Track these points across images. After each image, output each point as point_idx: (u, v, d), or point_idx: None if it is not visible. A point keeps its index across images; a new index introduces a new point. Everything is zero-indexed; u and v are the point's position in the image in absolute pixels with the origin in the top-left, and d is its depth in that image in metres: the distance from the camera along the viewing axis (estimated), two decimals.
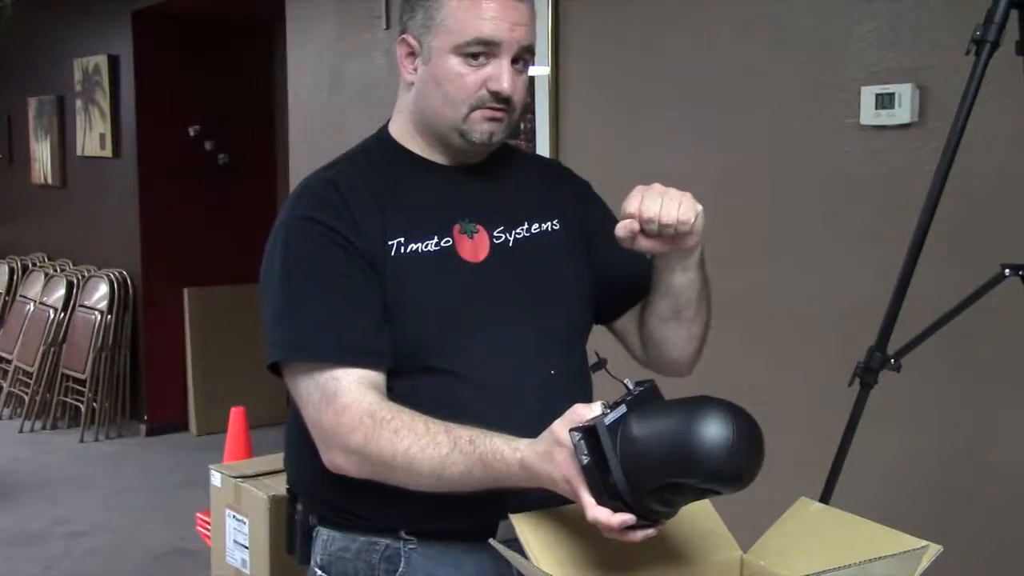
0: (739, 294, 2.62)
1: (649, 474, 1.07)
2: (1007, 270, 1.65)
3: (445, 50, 1.35)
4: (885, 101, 2.29)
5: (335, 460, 1.30)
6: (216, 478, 3.23)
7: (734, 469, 1.05)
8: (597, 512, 1.09)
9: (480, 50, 1.34)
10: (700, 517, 1.29)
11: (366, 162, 1.43)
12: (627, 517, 1.09)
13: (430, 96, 1.38)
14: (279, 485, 2.37)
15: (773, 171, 2.55)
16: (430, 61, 1.37)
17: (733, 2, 2.62)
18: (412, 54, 1.40)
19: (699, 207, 1.29)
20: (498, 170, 1.47)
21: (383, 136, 1.47)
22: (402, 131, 1.45)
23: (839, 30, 2.39)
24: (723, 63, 2.65)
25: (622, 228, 1.28)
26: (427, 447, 1.22)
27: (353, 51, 4.00)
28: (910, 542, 1.17)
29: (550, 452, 1.13)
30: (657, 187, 1.29)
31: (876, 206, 2.33)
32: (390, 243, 1.35)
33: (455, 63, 1.35)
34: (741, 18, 2.60)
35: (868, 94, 2.31)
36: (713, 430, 1.05)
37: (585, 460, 1.09)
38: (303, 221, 1.35)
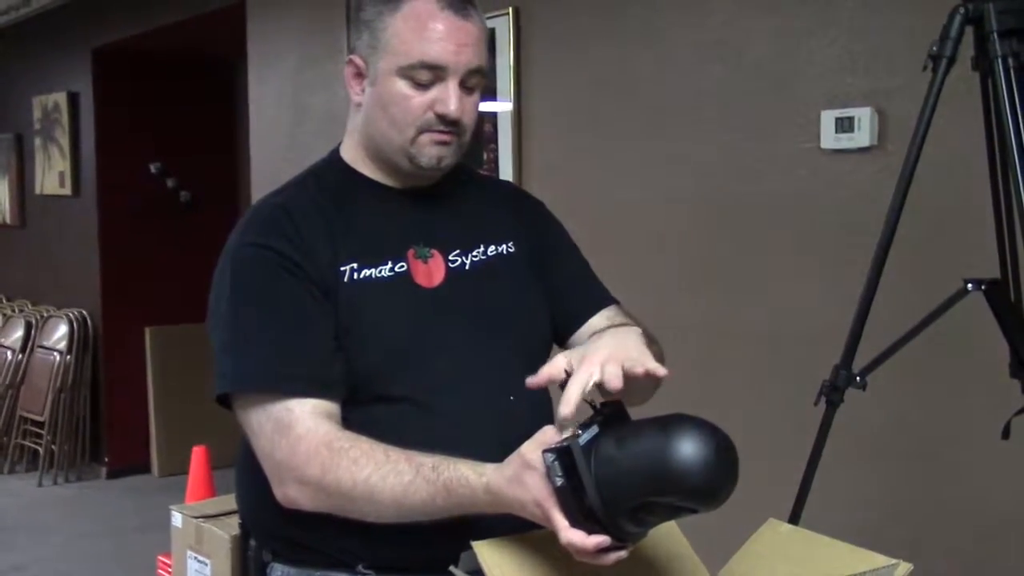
0: (703, 318, 2.62)
1: (626, 494, 1.05)
2: (970, 284, 1.65)
3: (391, 72, 1.32)
4: (845, 125, 2.30)
5: (289, 493, 1.26)
6: (177, 519, 3.16)
7: (712, 485, 1.04)
8: (571, 535, 1.06)
9: (426, 74, 1.31)
10: (668, 541, 1.27)
11: (316, 186, 1.39)
12: (602, 538, 1.06)
13: (377, 119, 1.36)
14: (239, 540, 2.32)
15: (735, 195, 2.55)
16: (376, 83, 1.34)
17: (692, 29, 2.63)
18: (360, 75, 1.37)
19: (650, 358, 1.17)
20: (452, 193, 1.44)
21: (334, 159, 1.44)
22: (353, 154, 1.42)
23: (798, 55, 2.41)
24: (683, 89, 2.66)
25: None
26: (388, 475, 1.19)
27: (315, 84, 3.99)
28: (881, 560, 1.16)
29: (519, 475, 1.10)
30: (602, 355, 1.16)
31: (838, 229, 2.33)
32: (342, 268, 1.31)
33: (401, 86, 1.32)
34: (700, 44, 2.61)
35: (828, 118, 2.32)
36: (690, 447, 1.03)
37: (559, 482, 1.07)
38: (253, 248, 1.32)
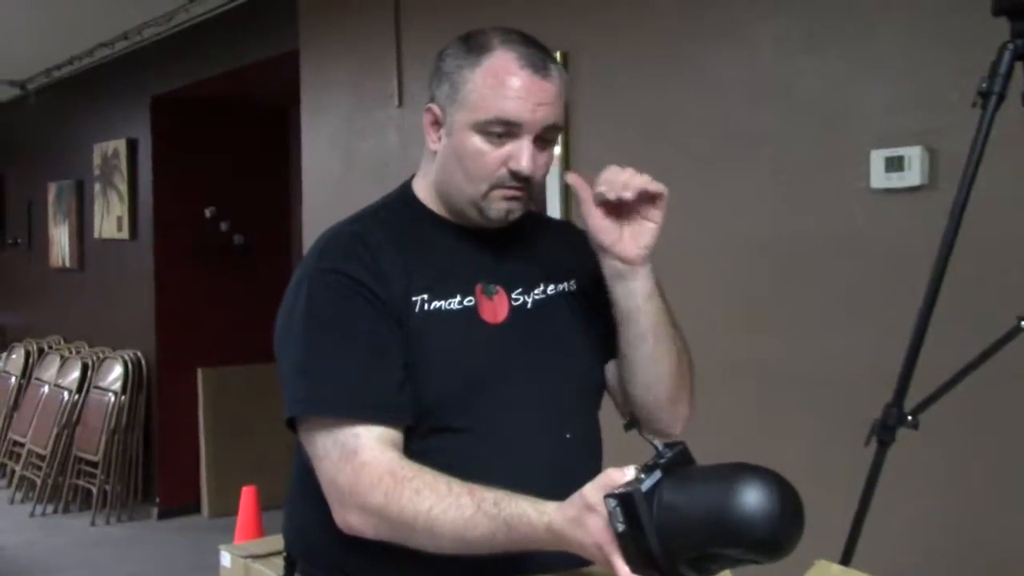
0: (754, 358, 2.59)
1: (687, 543, 1.05)
2: (1023, 322, 1.62)
3: (467, 126, 1.34)
4: (895, 164, 2.28)
5: (350, 520, 1.26)
6: (226, 558, 3.18)
7: (776, 539, 1.03)
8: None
9: (500, 130, 1.33)
10: None
11: (390, 217, 1.42)
12: None
13: (451, 170, 1.38)
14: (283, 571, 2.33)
15: (784, 236, 2.54)
16: (452, 134, 1.36)
17: (742, 68, 2.64)
18: (437, 123, 1.40)
19: (662, 187, 1.37)
20: (518, 233, 1.46)
21: (407, 193, 1.46)
22: (426, 192, 1.45)
23: (847, 94, 2.40)
24: (733, 130, 2.66)
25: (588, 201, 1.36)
26: (450, 508, 1.19)
27: (366, 130, 4.05)
28: None
29: (580, 518, 1.10)
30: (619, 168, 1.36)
31: (888, 268, 2.31)
32: (414, 299, 1.33)
33: (476, 140, 1.34)
34: (750, 84, 2.62)
35: (877, 158, 2.31)
36: (754, 499, 1.02)
37: (621, 528, 1.06)
38: (330, 273, 1.33)
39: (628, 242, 1.36)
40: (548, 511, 1.14)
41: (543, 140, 1.36)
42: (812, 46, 2.48)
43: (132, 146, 6.20)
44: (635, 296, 1.38)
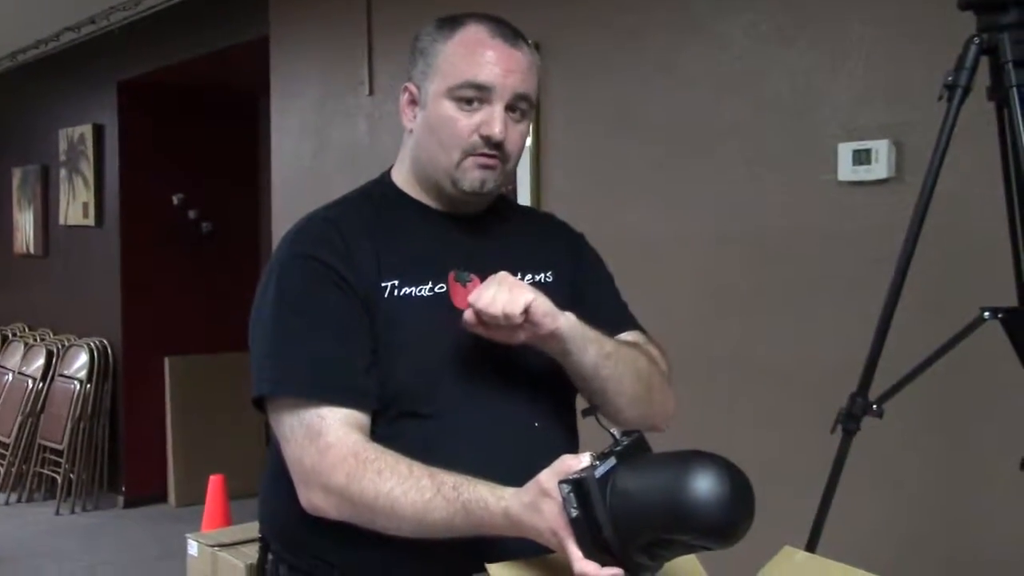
0: (722, 350, 2.61)
1: (640, 528, 1.05)
2: (987, 313, 1.65)
3: (440, 94, 1.37)
4: (862, 157, 2.31)
5: (313, 500, 1.27)
6: (193, 547, 3.17)
7: (726, 525, 1.03)
8: (585, 566, 1.07)
9: (472, 95, 1.35)
10: (683, 570, 1.26)
11: (366, 205, 1.44)
12: (615, 571, 1.06)
13: (425, 142, 1.40)
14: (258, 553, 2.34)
15: (752, 228, 2.56)
16: (427, 107, 1.39)
17: (710, 63, 2.65)
18: (413, 102, 1.42)
19: (528, 298, 1.27)
20: (496, 221, 1.47)
21: (385, 180, 1.48)
22: (404, 178, 1.46)
23: (815, 88, 2.42)
24: (701, 122, 2.67)
25: (466, 315, 1.29)
26: (410, 491, 1.20)
27: (336, 118, 4.04)
28: None
29: (536, 503, 1.11)
30: (501, 277, 1.30)
31: (856, 260, 2.34)
32: (384, 285, 1.34)
33: (448, 107, 1.36)
34: (718, 77, 2.63)
35: (845, 151, 2.33)
36: (705, 485, 1.03)
37: (574, 513, 1.07)
38: (301, 259, 1.35)
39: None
40: (506, 497, 1.15)
41: (515, 111, 1.38)
42: (781, 39, 2.50)
43: (99, 132, 6.13)
44: (584, 362, 1.36)
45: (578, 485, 1.07)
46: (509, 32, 1.39)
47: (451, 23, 1.40)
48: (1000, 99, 1.65)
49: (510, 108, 1.37)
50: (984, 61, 1.64)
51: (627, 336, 1.50)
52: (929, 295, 2.01)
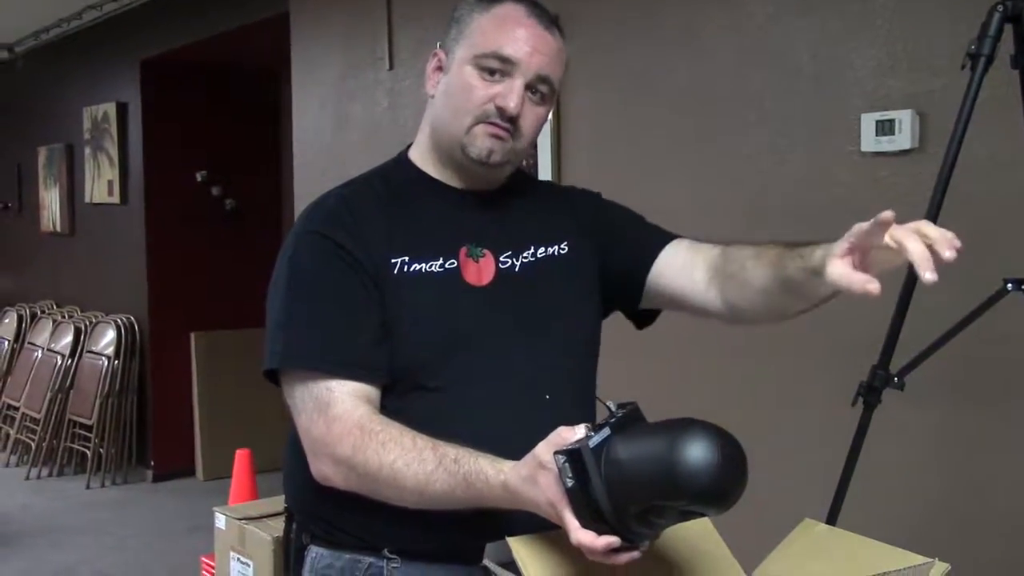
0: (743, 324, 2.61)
1: (634, 497, 1.06)
2: (1009, 284, 1.63)
3: (465, 60, 1.38)
4: (885, 128, 2.28)
5: (323, 470, 1.31)
6: (220, 520, 3.21)
7: (718, 491, 1.04)
8: (581, 535, 1.08)
9: (496, 65, 1.36)
10: (703, 540, 1.27)
11: (381, 183, 1.45)
12: (611, 539, 1.07)
13: (441, 107, 1.41)
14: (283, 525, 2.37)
15: (776, 198, 2.54)
16: (450, 71, 1.40)
17: (732, 33, 2.63)
18: (440, 68, 1.43)
19: None
20: (509, 195, 1.47)
21: (401, 159, 1.50)
22: (421, 152, 1.47)
23: (838, 58, 2.40)
24: (723, 93, 2.65)
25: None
26: (412, 462, 1.22)
27: (357, 93, 4.03)
28: (917, 559, 1.15)
29: (533, 475, 1.12)
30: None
31: None
32: (394, 261, 1.36)
33: (470, 74, 1.37)
34: (740, 47, 2.61)
35: (868, 121, 2.31)
36: (697, 452, 1.03)
37: (570, 484, 1.08)
38: (312, 235, 1.38)
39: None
40: (505, 470, 1.16)
41: (536, 92, 1.38)
42: (803, 9, 2.47)
43: (122, 110, 6.16)
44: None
45: (573, 456, 1.08)
46: (545, 16, 1.40)
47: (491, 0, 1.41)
48: None
49: (531, 88, 1.37)
50: (1008, 29, 1.61)
51: (682, 243, 1.50)
52: (951, 266, 1.98)
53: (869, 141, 2.31)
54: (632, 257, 1.50)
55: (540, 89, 1.38)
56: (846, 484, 1.78)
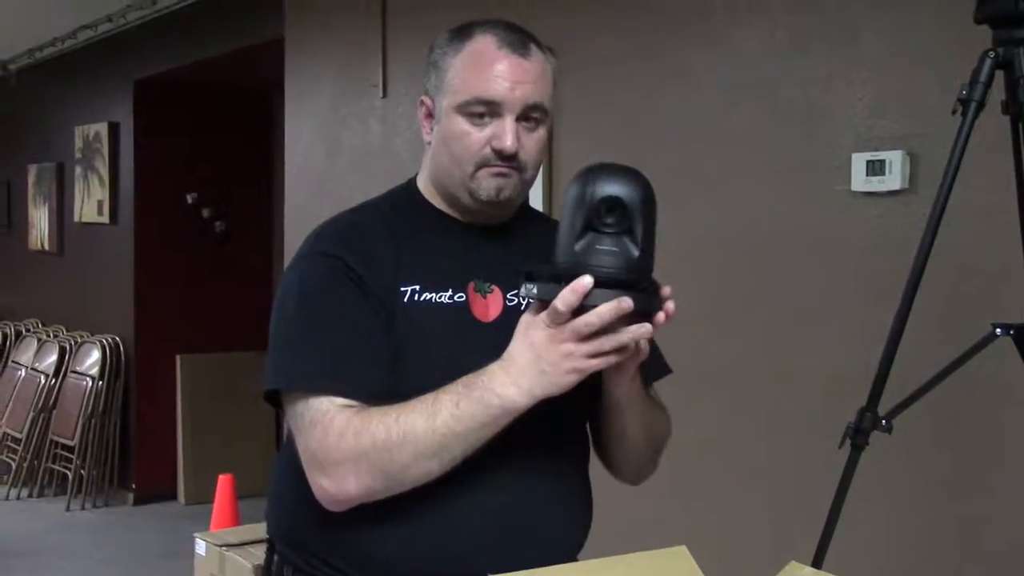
0: (729, 358, 2.60)
1: (568, 233, 1.20)
2: (998, 329, 1.63)
3: (451, 110, 1.38)
4: (876, 168, 2.29)
5: (331, 481, 1.29)
6: (201, 546, 3.17)
7: (589, 168, 1.24)
8: (557, 301, 1.17)
9: (481, 110, 1.36)
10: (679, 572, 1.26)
11: (391, 209, 1.45)
12: (582, 280, 1.17)
13: (440, 156, 1.41)
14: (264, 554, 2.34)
15: (765, 237, 2.55)
16: (440, 121, 1.40)
17: (724, 70, 2.64)
18: (430, 115, 1.43)
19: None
20: (517, 232, 1.47)
21: (411, 187, 1.49)
22: (426, 185, 1.47)
23: (830, 98, 2.41)
24: (714, 131, 2.66)
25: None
26: (415, 407, 1.26)
27: (350, 119, 4.04)
28: None
29: (511, 347, 1.23)
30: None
31: (866, 272, 2.32)
32: (403, 289, 1.36)
33: (461, 122, 1.37)
34: (732, 85, 2.62)
35: (859, 161, 2.32)
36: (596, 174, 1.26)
37: (534, 290, 1.21)
38: (323, 256, 1.38)
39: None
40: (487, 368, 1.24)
41: (529, 120, 1.38)
42: (796, 48, 2.48)
43: (114, 130, 6.16)
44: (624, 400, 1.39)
45: (526, 275, 1.20)
46: (518, 39, 1.38)
47: (461, 34, 1.40)
48: (1015, 113, 1.64)
49: (523, 118, 1.37)
50: (999, 75, 1.62)
51: (653, 393, 1.52)
52: (941, 309, 1.99)
53: (859, 181, 2.32)
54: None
55: (533, 116, 1.38)
56: (832, 526, 1.76)
